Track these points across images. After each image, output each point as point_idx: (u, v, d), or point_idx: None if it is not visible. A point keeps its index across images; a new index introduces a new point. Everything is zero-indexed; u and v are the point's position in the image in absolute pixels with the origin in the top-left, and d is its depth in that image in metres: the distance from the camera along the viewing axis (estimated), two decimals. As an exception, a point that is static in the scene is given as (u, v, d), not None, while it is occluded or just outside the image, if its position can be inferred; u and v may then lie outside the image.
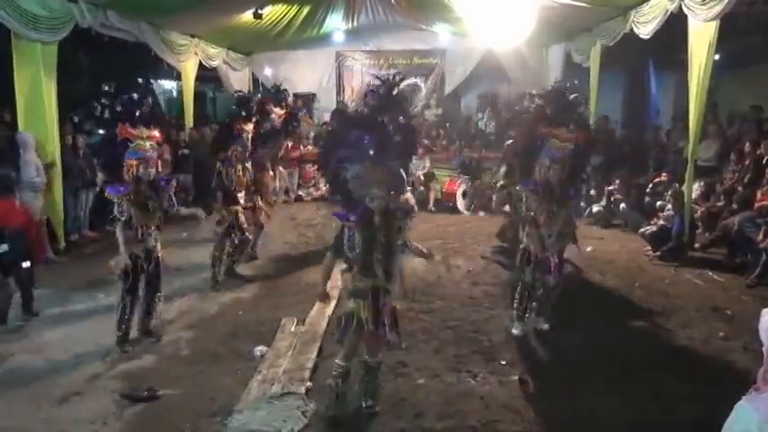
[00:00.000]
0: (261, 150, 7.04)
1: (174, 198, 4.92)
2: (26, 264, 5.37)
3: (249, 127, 6.43)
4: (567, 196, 4.82)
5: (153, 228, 4.76)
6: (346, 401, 3.74)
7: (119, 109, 4.81)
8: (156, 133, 4.75)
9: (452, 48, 14.43)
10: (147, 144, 4.61)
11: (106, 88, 13.59)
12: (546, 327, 5.06)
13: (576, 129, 4.69)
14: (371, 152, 3.35)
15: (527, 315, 5.07)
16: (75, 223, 8.25)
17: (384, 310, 3.54)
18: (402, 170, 3.51)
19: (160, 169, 4.88)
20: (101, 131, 10.65)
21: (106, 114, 12.91)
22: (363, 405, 3.72)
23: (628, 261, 7.32)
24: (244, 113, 6.45)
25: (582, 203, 8.99)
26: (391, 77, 3.48)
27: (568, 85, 5.13)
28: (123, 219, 4.56)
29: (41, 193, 7.22)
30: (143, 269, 4.75)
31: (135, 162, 4.57)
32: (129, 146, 4.56)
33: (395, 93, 3.42)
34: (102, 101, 13.37)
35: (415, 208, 3.65)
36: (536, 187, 4.77)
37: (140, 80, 14.95)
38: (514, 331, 5.00)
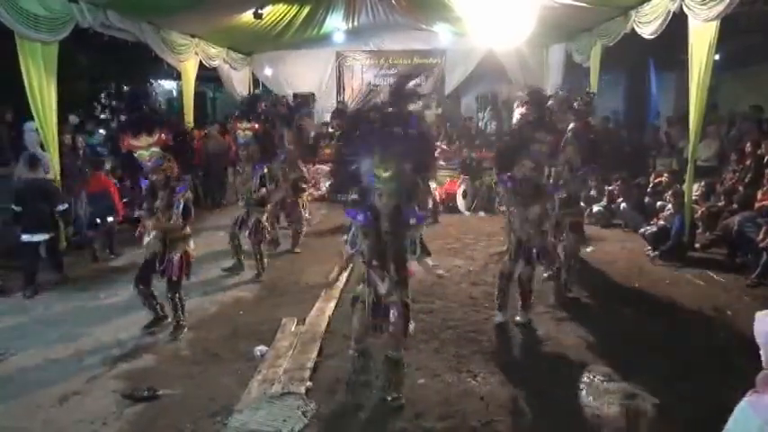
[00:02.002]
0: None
1: (179, 207, 4.84)
2: (110, 218, 7.55)
3: (245, 125, 6.65)
4: (541, 193, 5.09)
5: (157, 232, 4.84)
6: (356, 391, 3.97)
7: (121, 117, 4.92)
8: (158, 136, 4.68)
9: (453, 48, 14.41)
10: (148, 153, 4.64)
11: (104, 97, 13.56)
12: (520, 320, 5.24)
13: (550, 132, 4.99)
14: (378, 146, 3.50)
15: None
16: (75, 223, 8.24)
17: (387, 302, 3.77)
18: (420, 180, 3.75)
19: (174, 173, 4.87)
20: (101, 131, 10.66)
21: (106, 114, 12.92)
22: (388, 398, 3.82)
23: (628, 261, 7.32)
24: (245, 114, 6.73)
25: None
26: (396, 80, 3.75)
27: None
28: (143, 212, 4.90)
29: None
30: (154, 267, 4.90)
31: (145, 170, 4.76)
32: (134, 155, 4.69)
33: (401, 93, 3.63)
34: (103, 101, 13.37)
35: (428, 215, 3.84)
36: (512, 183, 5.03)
37: (151, 81, 14.95)
38: (496, 319, 5.25)
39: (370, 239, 3.72)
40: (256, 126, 6.71)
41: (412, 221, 3.71)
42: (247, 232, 6.66)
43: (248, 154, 6.68)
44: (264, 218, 6.77)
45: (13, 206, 6.29)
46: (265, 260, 6.79)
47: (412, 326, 4.18)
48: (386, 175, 3.51)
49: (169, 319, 5.16)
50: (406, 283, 3.89)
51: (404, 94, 3.69)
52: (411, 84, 3.82)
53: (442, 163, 11.10)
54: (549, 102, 5.59)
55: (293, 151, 8.00)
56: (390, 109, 3.63)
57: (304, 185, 8.26)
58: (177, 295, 5.03)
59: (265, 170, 6.70)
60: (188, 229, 5.04)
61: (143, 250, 4.99)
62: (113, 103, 13.10)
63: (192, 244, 5.10)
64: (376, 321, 3.89)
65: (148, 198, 4.82)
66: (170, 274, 4.90)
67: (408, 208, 3.72)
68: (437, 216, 9.59)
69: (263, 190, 6.62)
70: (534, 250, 5.04)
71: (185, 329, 5.08)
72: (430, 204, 8.62)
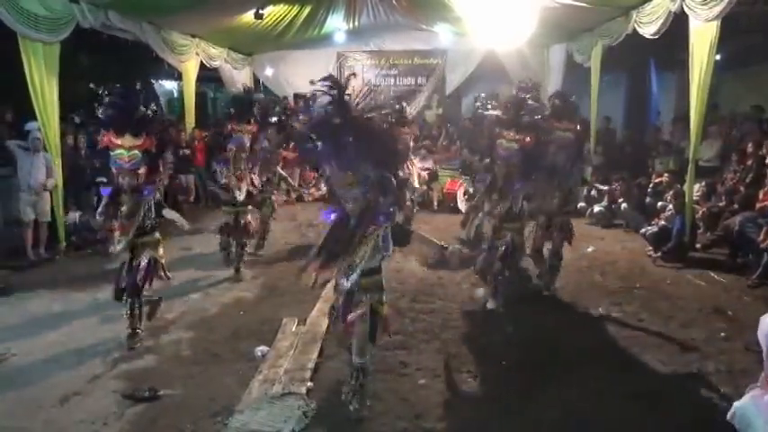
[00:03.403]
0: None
1: (153, 208, 4.83)
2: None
3: (246, 127, 6.45)
4: (509, 190, 5.30)
5: (125, 239, 4.67)
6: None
7: (107, 111, 4.61)
8: (143, 140, 4.55)
9: (453, 48, 14.40)
10: (127, 154, 4.47)
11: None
12: (491, 306, 5.51)
13: (524, 131, 5.18)
14: (331, 157, 3.41)
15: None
16: (75, 225, 8.24)
17: (353, 305, 3.58)
18: (388, 178, 3.45)
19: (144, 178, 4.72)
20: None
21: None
22: (351, 408, 3.66)
23: (629, 261, 7.32)
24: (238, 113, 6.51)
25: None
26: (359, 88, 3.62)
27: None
28: (102, 220, 4.72)
29: (48, 193, 7.30)
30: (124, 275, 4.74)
31: (115, 171, 4.56)
32: (111, 154, 4.49)
33: (350, 100, 3.46)
34: (105, 101, 13.36)
35: (399, 215, 3.65)
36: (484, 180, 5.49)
37: (140, 82, 14.91)
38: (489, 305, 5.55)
39: (340, 239, 3.54)
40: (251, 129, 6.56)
41: (380, 221, 3.51)
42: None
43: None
44: (248, 217, 6.74)
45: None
46: (243, 262, 6.79)
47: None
48: (347, 183, 3.42)
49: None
50: (380, 287, 3.67)
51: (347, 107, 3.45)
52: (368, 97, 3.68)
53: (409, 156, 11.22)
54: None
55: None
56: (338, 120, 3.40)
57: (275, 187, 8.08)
58: (137, 301, 4.85)
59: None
60: (157, 235, 4.91)
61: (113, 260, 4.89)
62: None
63: (161, 250, 4.96)
64: (346, 326, 3.65)
65: (109, 204, 4.59)
66: (134, 279, 4.75)
67: (380, 208, 3.51)
68: (410, 219, 8.59)
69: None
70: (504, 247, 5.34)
71: (141, 340, 4.89)
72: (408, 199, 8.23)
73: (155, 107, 5.04)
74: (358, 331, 3.61)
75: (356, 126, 3.38)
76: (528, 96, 5.39)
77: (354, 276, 3.49)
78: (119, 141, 4.46)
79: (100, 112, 4.68)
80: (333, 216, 3.61)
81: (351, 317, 3.57)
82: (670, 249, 7.20)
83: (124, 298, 4.79)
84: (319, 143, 3.44)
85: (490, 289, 5.60)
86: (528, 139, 5.15)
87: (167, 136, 10.73)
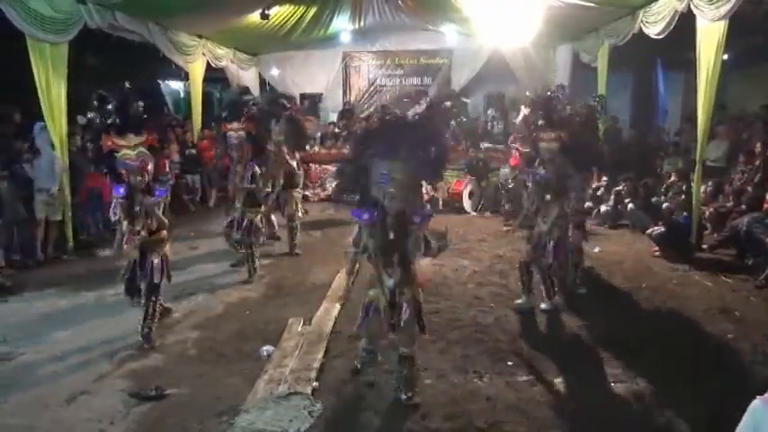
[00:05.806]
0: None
1: (163, 208, 4.82)
2: None
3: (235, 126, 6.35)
4: (561, 189, 5.28)
5: (143, 234, 4.67)
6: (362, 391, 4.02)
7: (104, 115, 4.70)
8: (144, 137, 4.61)
9: (459, 48, 14.41)
10: (135, 152, 4.54)
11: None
12: (545, 306, 5.56)
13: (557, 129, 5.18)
14: (401, 153, 3.56)
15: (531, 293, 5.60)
16: (81, 225, 8.28)
17: (400, 302, 3.78)
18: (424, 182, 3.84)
19: (151, 175, 4.73)
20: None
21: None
22: (403, 398, 3.83)
23: (635, 262, 7.28)
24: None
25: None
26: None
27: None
28: (116, 219, 4.71)
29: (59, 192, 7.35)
30: (139, 273, 4.75)
31: (124, 171, 4.59)
32: (116, 156, 4.53)
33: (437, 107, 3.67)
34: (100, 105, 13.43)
35: (432, 211, 4.02)
36: (534, 177, 5.39)
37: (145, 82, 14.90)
38: (517, 301, 5.61)
39: (375, 238, 3.74)
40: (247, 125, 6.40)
41: (416, 220, 3.72)
42: (240, 234, 6.51)
43: (241, 154, 6.41)
44: (258, 218, 6.57)
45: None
46: (257, 263, 6.66)
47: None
48: (399, 177, 3.56)
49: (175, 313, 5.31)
50: (415, 282, 3.90)
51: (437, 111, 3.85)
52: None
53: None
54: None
55: (281, 144, 7.56)
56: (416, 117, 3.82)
57: (297, 179, 7.91)
58: (156, 299, 4.87)
59: (256, 168, 6.41)
60: (164, 233, 4.89)
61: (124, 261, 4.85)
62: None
63: (168, 247, 4.98)
64: (392, 321, 3.84)
65: (124, 203, 4.61)
66: (151, 278, 4.77)
67: (412, 207, 3.76)
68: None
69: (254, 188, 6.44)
70: (552, 243, 5.27)
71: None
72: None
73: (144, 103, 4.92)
74: (407, 322, 3.80)
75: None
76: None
77: (397, 277, 3.74)
78: (122, 142, 4.52)
79: (96, 117, 4.75)
80: (366, 216, 3.73)
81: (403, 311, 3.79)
82: (677, 250, 7.17)
83: (142, 299, 4.80)
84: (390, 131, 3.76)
85: (544, 287, 5.59)
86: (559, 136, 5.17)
87: (169, 131, 10.76)
